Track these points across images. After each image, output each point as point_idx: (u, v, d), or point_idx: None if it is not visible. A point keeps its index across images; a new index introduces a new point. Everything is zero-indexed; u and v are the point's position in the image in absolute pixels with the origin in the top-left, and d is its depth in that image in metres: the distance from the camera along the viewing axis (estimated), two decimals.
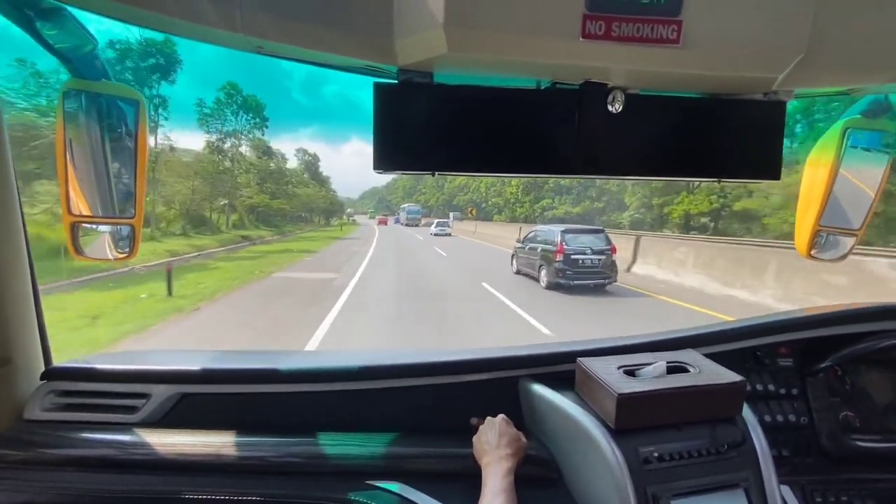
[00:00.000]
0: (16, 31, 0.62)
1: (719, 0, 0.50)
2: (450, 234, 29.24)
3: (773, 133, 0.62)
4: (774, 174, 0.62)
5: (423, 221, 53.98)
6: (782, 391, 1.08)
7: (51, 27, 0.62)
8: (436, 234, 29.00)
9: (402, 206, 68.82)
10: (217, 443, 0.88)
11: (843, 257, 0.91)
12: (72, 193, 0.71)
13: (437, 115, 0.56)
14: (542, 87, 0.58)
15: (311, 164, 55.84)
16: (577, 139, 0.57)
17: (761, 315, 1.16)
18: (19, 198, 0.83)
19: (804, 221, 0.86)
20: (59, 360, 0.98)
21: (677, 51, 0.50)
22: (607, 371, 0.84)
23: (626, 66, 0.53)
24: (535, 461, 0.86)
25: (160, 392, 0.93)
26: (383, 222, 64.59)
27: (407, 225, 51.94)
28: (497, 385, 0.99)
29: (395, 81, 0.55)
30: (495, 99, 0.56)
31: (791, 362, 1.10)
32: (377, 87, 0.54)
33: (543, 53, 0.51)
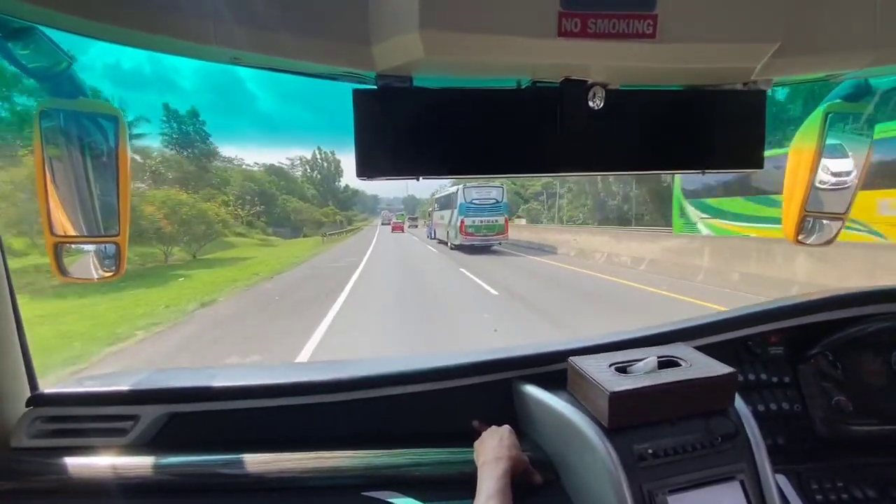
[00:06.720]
0: None
1: None
2: None
3: (755, 122, 0.62)
4: (757, 163, 0.63)
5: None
6: (774, 380, 1.07)
7: (23, 47, 0.61)
8: None
9: (443, 192, 20.02)
10: (208, 462, 0.87)
11: (830, 241, 0.92)
12: (53, 213, 0.69)
13: (419, 119, 0.55)
14: (523, 87, 0.58)
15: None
16: (560, 137, 0.57)
17: (751, 304, 1.17)
18: None
19: (790, 208, 0.87)
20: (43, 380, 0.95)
21: (654, 45, 0.50)
22: (599, 369, 0.83)
23: (604, 62, 0.53)
24: (531, 463, 0.85)
25: (149, 413, 0.92)
26: (398, 228, 43.48)
27: (474, 242, 15.85)
28: (491, 388, 0.98)
29: (375, 87, 0.54)
30: (476, 100, 0.56)
31: (782, 350, 1.10)
32: (356, 93, 0.54)
33: (521, 53, 0.51)
